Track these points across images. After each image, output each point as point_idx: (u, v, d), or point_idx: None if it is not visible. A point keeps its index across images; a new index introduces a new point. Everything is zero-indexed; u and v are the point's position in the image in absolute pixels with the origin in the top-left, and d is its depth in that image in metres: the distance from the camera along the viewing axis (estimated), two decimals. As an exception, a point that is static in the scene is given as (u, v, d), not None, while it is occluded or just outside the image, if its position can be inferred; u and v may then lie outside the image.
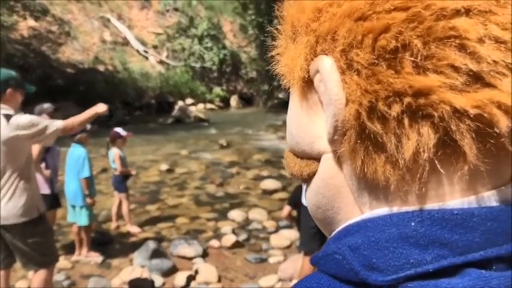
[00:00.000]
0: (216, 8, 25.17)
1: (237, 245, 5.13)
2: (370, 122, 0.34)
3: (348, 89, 0.35)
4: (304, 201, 3.27)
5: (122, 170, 5.54)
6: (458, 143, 0.32)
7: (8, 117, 2.98)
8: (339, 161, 0.39)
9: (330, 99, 0.36)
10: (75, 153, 4.75)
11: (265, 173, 8.66)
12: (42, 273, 3.31)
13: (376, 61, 0.33)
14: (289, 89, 0.44)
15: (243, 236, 5.41)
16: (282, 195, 7.09)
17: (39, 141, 3.22)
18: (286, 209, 3.67)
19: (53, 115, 4.38)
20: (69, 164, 4.78)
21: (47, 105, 4.47)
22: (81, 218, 4.74)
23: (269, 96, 21.81)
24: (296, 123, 0.43)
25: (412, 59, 0.32)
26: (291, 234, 5.31)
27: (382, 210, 0.36)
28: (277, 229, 5.64)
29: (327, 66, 0.36)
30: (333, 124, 0.36)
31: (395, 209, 0.35)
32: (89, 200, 4.73)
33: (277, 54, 0.44)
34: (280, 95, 21.91)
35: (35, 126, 3.00)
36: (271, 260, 4.80)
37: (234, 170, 9.03)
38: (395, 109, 0.33)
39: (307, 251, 3.48)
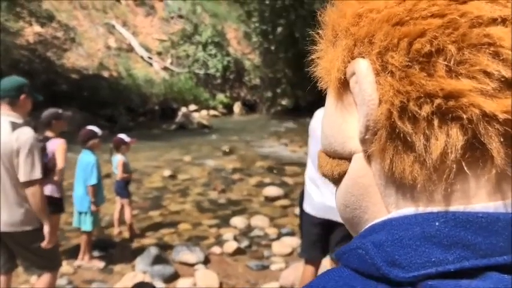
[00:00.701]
0: (221, 15, 25.30)
1: (238, 251, 5.14)
2: (400, 121, 0.35)
3: (382, 90, 0.36)
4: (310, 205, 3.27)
5: (122, 176, 5.56)
6: (487, 147, 0.33)
7: (14, 126, 3.00)
8: (368, 160, 0.40)
9: (364, 99, 0.38)
10: (85, 159, 4.79)
11: (267, 179, 8.67)
12: (46, 278, 3.33)
13: (409, 63, 0.35)
14: (325, 91, 0.45)
15: (244, 243, 5.42)
16: (284, 202, 7.10)
17: (16, 168, 3.04)
18: None
19: (59, 121, 4.43)
20: (79, 169, 4.82)
21: (53, 111, 4.48)
22: (85, 224, 4.77)
23: (272, 103, 21.82)
24: (330, 123, 0.44)
25: (446, 63, 0.33)
26: (292, 242, 5.31)
27: (408, 209, 0.37)
28: (279, 236, 5.65)
29: (363, 68, 0.38)
30: (365, 123, 0.38)
31: (421, 208, 0.36)
32: (93, 208, 4.77)
33: (317, 57, 0.45)
34: (284, 102, 21.96)
35: (28, 156, 3.01)
36: (273, 267, 4.80)
37: (236, 176, 9.04)
38: (426, 110, 0.34)
39: (308, 258, 3.48)
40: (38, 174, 3.05)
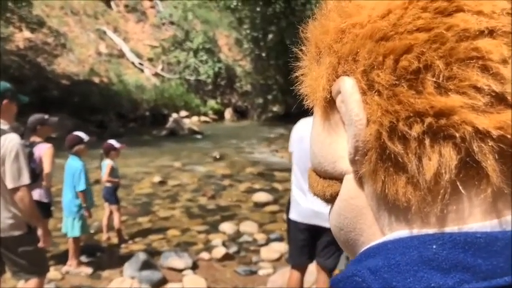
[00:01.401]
0: (212, 22, 25.40)
1: (227, 257, 5.16)
2: (390, 142, 0.34)
3: (369, 110, 0.35)
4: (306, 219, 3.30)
5: (107, 179, 5.58)
6: (481, 165, 0.31)
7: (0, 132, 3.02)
8: (360, 181, 0.38)
9: (351, 119, 0.36)
10: (73, 165, 4.80)
11: (257, 186, 8.70)
12: (33, 283, 3.33)
13: (397, 82, 0.33)
14: (312, 109, 0.44)
15: (233, 249, 5.44)
16: (274, 208, 7.14)
17: (3, 174, 3.04)
18: None
19: (44, 126, 4.44)
20: (67, 175, 4.83)
21: (39, 116, 4.49)
22: (73, 229, 4.78)
23: (263, 110, 21.93)
24: (319, 143, 0.43)
25: (434, 79, 0.32)
26: (281, 247, 5.35)
27: (402, 232, 0.35)
28: (268, 242, 5.68)
29: (348, 87, 0.36)
30: (354, 144, 0.36)
31: (416, 230, 0.35)
32: (85, 213, 4.78)
33: (301, 74, 0.43)
34: (275, 109, 22.05)
35: (14, 162, 3.02)
36: (261, 272, 4.83)
37: (226, 182, 9.07)
38: (416, 129, 0.32)
39: (294, 264, 3.52)
40: (25, 179, 3.07)
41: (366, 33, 0.36)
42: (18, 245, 3.19)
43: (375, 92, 0.35)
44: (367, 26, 0.36)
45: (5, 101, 3.11)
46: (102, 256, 5.26)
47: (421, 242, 0.33)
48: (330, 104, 0.40)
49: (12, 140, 3.04)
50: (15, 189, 3.04)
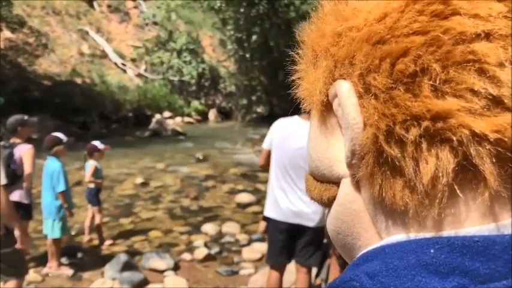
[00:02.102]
0: (196, 22, 25.34)
1: (208, 258, 5.19)
2: (387, 146, 0.33)
3: (366, 113, 0.35)
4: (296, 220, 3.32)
5: (89, 180, 5.55)
6: (479, 168, 0.31)
7: None
8: (357, 185, 0.38)
9: (348, 123, 0.36)
10: (51, 166, 4.77)
11: (240, 186, 8.73)
12: (11, 284, 3.32)
13: (393, 85, 0.33)
14: (309, 112, 0.43)
15: (215, 249, 5.47)
16: (256, 208, 7.17)
17: None
18: (263, 224, 3.71)
19: (25, 127, 4.40)
20: (45, 177, 4.80)
21: (19, 117, 4.46)
22: (53, 231, 4.75)
23: (247, 111, 21.93)
24: (315, 147, 0.42)
25: (431, 83, 0.32)
26: (262, 247, 5.37)
27: (400, 236, 0.35)
28: (250, 242, 5.71)
29: (345, 91, 0.36)
30: (350, 148, 0.36)
31: (414, 234, 0.34)
32: (67, 214, 4.76)
33: (298, 78, 0.43)
34: (259, 110, 22.08)
35: None
36: (242, 273, 4.86)
37: (209, 183, 9.08)
38: (413, 133, 0.32)
39: (273, 264, 3.55)
40: (2, 180, 3.06)
41: (363, 36, 0.36)
42: None
43: (372, 95, 0.35)
44: (363, 29, 0.36)
45: None
46: (83, 258, 5.23)
47: (419, 246, 0.33)
48: (327, 108, 0.40)
49: None
50: None
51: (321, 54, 0.40)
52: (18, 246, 3.24)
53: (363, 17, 0.37)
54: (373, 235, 0.38)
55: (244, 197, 7.70)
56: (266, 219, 3.57)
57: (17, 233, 3.20)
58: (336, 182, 0.40)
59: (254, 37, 19.83)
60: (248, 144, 14.52)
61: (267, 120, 19.30)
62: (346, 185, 0.39)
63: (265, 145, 3.46)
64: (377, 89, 0.34)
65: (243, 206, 7.41)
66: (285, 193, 3.30)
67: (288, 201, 3.27)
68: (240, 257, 5.28)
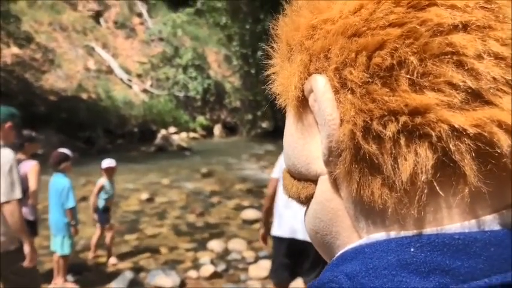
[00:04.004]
0: (201, 38, 25.52)
1: (215, 275, 5.11)
2: (365, 142, 0.32)
3: (342, 109, 0.34)
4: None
5: (94, 200, 5.44)
6: (458, 164, 0.31)
7: None
8: (335, 183, 0.37)
9: (324, 119, 0.35)
10: (59, 183, 4.71)
11: (246, 202, 8.66)
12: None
13: (370, 79, 0.32)
14: (285, 108, 0.42)
15: (221, 267, 5.39)
16: (262, 225, 7.08)
17: None
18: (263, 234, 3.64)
19: (32, 143, 4.39)
20: (52, 193, 4.73)
21: (27, 133, 4.45)
22: (63, 248, 4.69)
23: (252, 126, 21.95)
24: (292, 143, 0.41)
25: (408, 76, 0.31)
26: (269, 265, 5.29)
27: (379, 234, 0.34)
28: (257, 259, 5.63)
29: (321, 86, 0.35)
30: (327, 145, 0.35)
31: (393, 233, 0.34)
32: (73, 230, 4.70)
33: (273, 73, 0.42)
34: (264, 125, 22.09)
35: (8, 176, 3.01)
36: (249, 291, 4.78)
37: (215, 199, 9.01)
38: (391, 129, 0.31)
39: (277, 282, 3.49)
40: (18, 194, 3.06)
41: (338, 29, 0.35)
42: (13, 261, 3.19)
43: (348, 90, 0.34)
44: (338, 21, 0.35)
45: (8, 124, 3.14)
46: (88, 275, 5.17)
47: (399, 245, 0.32)
48: (303, 103, 0.39)
49: (6, 155, 3.05)
50: (6, 203, 3.02)
51: (296, 48, 0.39)
52: (26, 264, 3.19)
53: (338, 9, 0.35)
54: (352, 234, 0.37)
55: (250, 213, 7.62)
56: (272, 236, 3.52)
57: (26, 249, 3.17)
58: (314, 180, 0.39)
59: (259, 53, 19.92)
60: (253, 160, 14.47)
61: (272, 135, 19.44)
62: (324, 182, 0.38)
63: (274, 174, 3.42)
64: (353, 84, 0.33)
65: (249, 222, 7.33)
66: (289, 207, 3.25)
67: (293, 216, 3.23)
68: (247, 274, 5.20)
